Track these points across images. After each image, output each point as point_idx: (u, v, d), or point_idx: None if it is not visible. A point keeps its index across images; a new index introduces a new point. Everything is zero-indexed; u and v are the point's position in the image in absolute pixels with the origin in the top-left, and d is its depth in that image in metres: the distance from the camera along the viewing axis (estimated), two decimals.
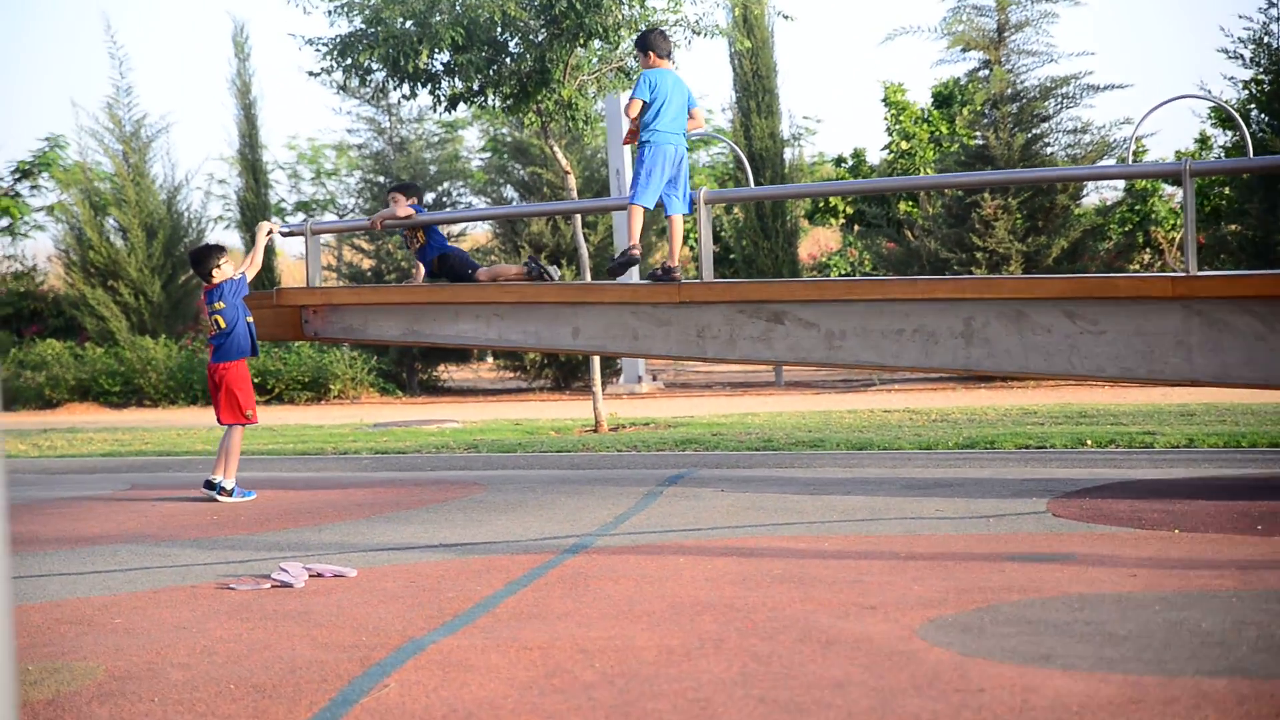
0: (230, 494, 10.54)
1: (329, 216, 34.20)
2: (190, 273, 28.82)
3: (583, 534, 8.05)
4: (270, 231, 11.31)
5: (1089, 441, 11.82)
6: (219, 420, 10.75)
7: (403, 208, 11.35)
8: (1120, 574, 6.12)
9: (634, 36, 14.06)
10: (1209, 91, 22.25)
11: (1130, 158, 9.69)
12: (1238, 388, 9.35)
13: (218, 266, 10.72)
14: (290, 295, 11.61)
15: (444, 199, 28.62)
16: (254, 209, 28.92)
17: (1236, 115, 8.98)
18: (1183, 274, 8.45)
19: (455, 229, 29.08)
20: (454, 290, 10.87)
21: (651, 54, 10.23)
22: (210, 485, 10.64)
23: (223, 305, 10.66)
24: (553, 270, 10.89)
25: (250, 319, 10.79)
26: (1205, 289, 8.34)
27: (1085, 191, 23.13)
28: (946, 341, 9.00)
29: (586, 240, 24.37)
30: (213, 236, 31.44)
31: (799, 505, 8.86)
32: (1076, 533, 7.33)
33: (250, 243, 11.09)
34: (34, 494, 11.65)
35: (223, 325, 10.66)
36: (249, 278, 10.85)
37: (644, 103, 9.96)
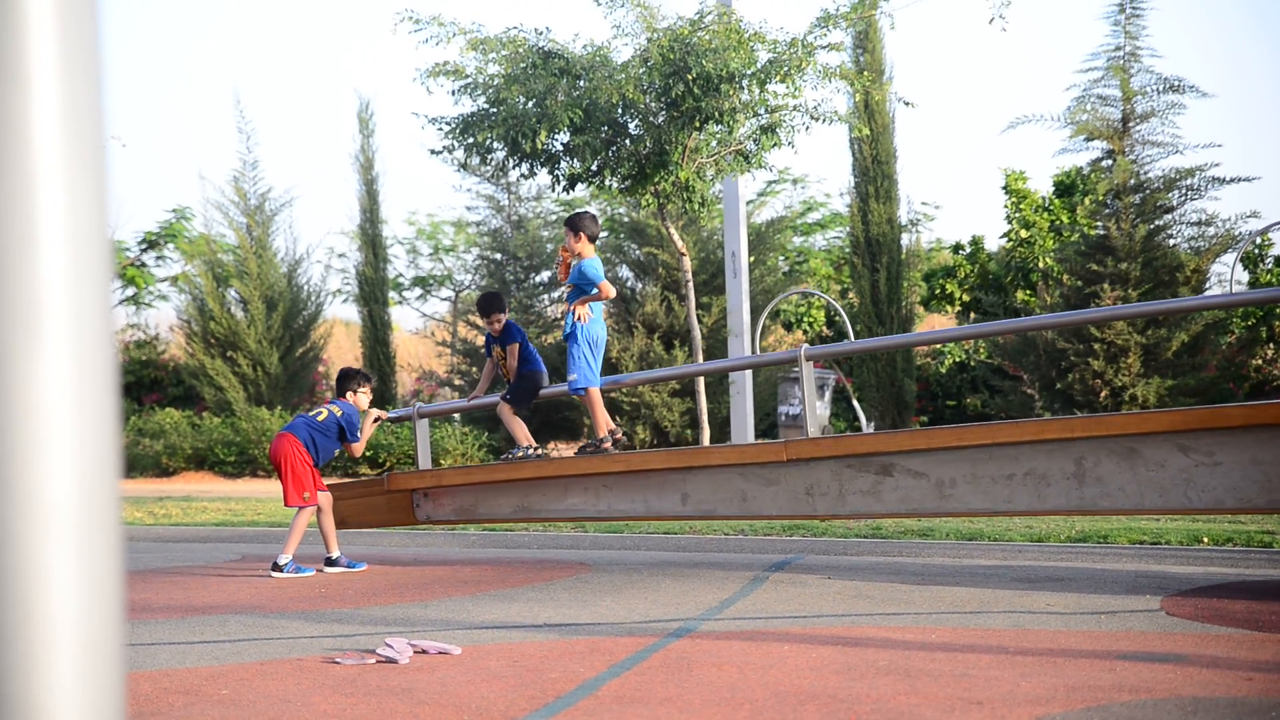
0: (281, 570, 10.57)
1: (445, 292, 34.64)
2: (307, 344, 29.28)
3: (687, 618, 8.01)
4: (378, 419, 11.53)
5: (1205, 539, 11.61)
6: (285, 503, 10.97)
7: (495, 326, 11.34)
8: (1235, 677, 5.98)
9: (751, 120, 14.17)
10: None
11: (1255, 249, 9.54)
12: None
13: (353, 391, 11.21)
14: (401, 480, 11.61)
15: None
16: (372, 283, 29.30)
17: None
18: None
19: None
20: (561, 464, 10.87)
21: (583, 236, 10.62)
22: (331, 562, 10.78)
23: (340, 412, 11.04)
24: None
25: (338, 452, 11.22)
26: None
27: (1208, 284, 22.85)
28: (1059, 483, 8.92)
29: (700, 321, 24.47)
30: (330, 310, 31.89)
31: (906, 595, 8.77)
32: (1191, 633, 7.18)
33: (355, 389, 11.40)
34: (148, 562, 11.81)
35: (322, 418, 10.96)
36: (354, 448, 11.12)
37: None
